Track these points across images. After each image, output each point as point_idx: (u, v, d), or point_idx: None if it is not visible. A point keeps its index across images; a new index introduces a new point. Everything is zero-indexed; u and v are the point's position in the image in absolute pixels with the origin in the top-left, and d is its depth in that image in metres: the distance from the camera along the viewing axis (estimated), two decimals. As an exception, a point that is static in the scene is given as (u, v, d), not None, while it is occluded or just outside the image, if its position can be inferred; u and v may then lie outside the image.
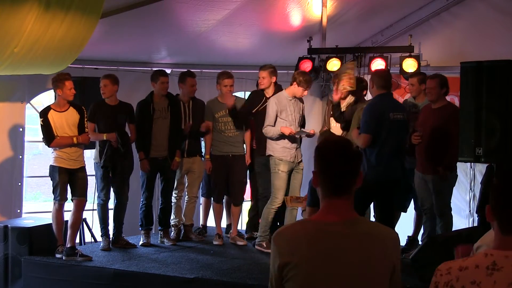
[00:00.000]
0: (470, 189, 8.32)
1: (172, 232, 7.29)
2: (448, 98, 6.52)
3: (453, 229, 6.38)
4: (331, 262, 2.19)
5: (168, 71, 8.53)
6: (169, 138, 7.01)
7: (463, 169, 7.38)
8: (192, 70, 7.46)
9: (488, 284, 1.89)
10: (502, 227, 1.98)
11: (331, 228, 2.23)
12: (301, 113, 6.77)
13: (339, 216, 2.25)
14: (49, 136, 6.35)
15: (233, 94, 7.19)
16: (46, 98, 9.07)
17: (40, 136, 6.76)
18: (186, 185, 7.37)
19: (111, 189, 6.90)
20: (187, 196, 7.38)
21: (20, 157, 7.60)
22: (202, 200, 7.75)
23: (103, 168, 6.71)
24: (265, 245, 6.57)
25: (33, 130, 11.57)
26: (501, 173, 2.09)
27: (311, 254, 2.20)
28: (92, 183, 6.96)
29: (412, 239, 6.93)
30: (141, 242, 7.04)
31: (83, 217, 7.22)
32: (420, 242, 6.77)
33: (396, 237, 2.32)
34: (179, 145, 7.10)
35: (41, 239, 6.57)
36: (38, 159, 14.93)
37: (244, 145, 7.27)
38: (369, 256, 2.21)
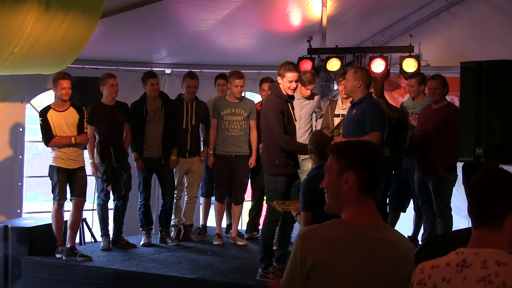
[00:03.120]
0: (470, 189, 8.31)
1: (172, 232, 7.29)
2: (448, 98, 6.54)
3: (453, 229, 6.38)
4: (364, 265, 2.20)
5: (168, 71, 8.55)
6: (164, 138, 7.01)
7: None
8: (192, 70, 7.47)
9: (458, 280, 1.90)
10: (473, 221, 2.00)
11: (366, 232, 2.24)
12: (309, 111, 6.94)
13: (371, 220, 2.27)
14: (47, 136, 6.35)
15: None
16: (46, 98, 9.07)
17: (40, 136, 6.76)
18: (186, 185, 7.38)
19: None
20: (186, 196, 7.38)
21: (20, 157, 7.61)
22: (202, 200, 7.75)
23: (104, 182, 6.74)
24: None
25: (33, 130, 11.55)
26: (473, 171, 2.19)
27: (347, 256, 2.19)
28: (92, 183, 6.96)
29: (412, 239, 6.93)
30: (142, 242, 7.05)
31: (83, 217, 7.24)
32: (420, 242, 6.77)
33: (413, 246, 2.37)
34: (175, 144, 7.09)
35: (41, 239, 6.57)
36: (38, 159, 14.93)
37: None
38: (395, 263, 2.24)
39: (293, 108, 5.97)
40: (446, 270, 1.95)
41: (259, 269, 5.68)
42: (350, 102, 5.85)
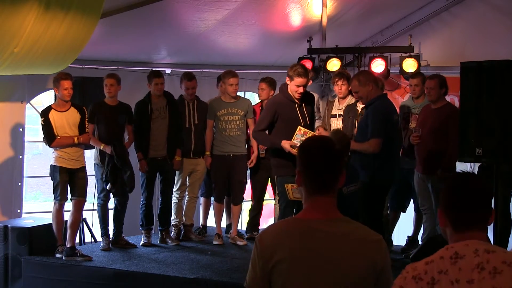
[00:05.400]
0: (470, 189, 8.30)
1: (172, 232, 7.29)
2: (448, 98, 6.53)
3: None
4: (312, 259, 2.21)
5: (168, 71, 8.54)
6: (168, 137, 7.01)
7: (463, 169, 7.39)
8: (191, 71, 7.47)
9: (454, 271, 2.03)
10: (456, 226, 2.12)
11: (314, 225, 2.25)
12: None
13: (322, 214, 2.28)
14: (50, 136, 6.35)
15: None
16: (46, 98, 9.08)
17: (40, 136, 6.76)
18: (188, 185, 7.38)
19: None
20: (187, 196, 7.38)
21: (20, 157, 7.60)
22: (202, 200, 7.75)
23: (104, 182, 6.73)
24: None
25: (33, 130, 11.58)
26: (452, 176, 2.23)
27: (294, 251, 2.22)
28: (92, 183, 6.97)
29: (412, 239, 6.93)
30: (142, 242, 7.04)
31: (83, 217, 7.24)
32: (420, 242, 6.77)
33: (378, 239, 2.30)
34: (179, 144, 7.10)
35: (41, 239, 6.57)
36: (38, 159, 14.94)
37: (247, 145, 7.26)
38: (349, 256, 2.22)
39: (306, 109, 6.00)
40: (441, 263, 2.05)
41: None
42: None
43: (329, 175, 2.28)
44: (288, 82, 5.91)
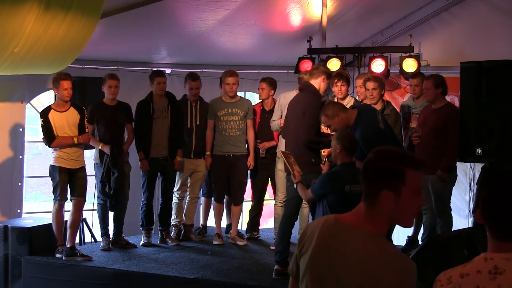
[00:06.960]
0: (470, 189, 8.31)
1: (172, 232, 7.29)
2: (448, 98, 6.52)
3: (453, 229, 6.38)
4: (328, 260, 2.20)
5: (168, 71, 8.55)
6: (169, 137, 7.01)
7: (463, 169, 7.38)
8: (191, 71, 7.47)
9: None
10: (494, 233, 1.94)
11: (337, 228, 2.23)
12: None
13: (352, 220, 2.21)
14: (49, 136, 6.35)
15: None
16: (46, 98, 9.08)
17: (40, 136, 6.76)
18: (189, 185, 7.38)
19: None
20: (188, 196, 7.38)
21: (20, 157, 7.61)
22: (202, 200, 7.75)
23: (101, 182, 6.74)
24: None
25: (33, 130, 11.58)
26: (492, 177, 2.00)
27: (316, 247, 2.24)
28: (92, 183, 6.97)
29: (412, 239, 6.93)
30: (142, 242, 7.04)
31: (83, 217, 7.24)
32: (420, 242, 6.77)
33: (390, 259, 2.12)
34: (180, 144, 7.10)
35: (41, 239, 6.57)
36: (38, 159, 14.93)
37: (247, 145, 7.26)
38: (346, 269, 2.15)
39: None
40: (478, 278, 1.89)
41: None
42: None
43: (366, 185, 2.27)
44: (322, 81, 5.83)
